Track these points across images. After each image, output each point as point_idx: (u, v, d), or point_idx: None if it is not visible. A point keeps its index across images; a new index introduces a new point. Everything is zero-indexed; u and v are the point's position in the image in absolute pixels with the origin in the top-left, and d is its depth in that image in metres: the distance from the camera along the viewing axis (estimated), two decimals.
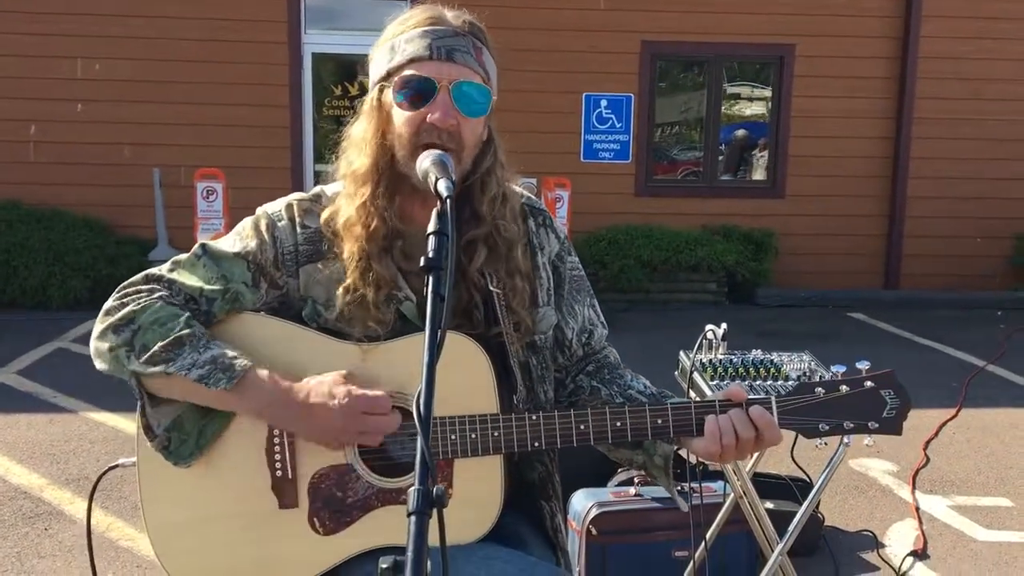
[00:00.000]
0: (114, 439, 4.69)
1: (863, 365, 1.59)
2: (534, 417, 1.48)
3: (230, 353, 1.47)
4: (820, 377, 2.21)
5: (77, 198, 8.51)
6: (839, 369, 1.57)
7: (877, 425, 1.52)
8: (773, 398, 1.53)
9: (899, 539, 3.74)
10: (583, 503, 3.05)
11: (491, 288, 1.57)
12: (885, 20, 9.22)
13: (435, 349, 1.09)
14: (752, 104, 9.86)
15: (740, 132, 9.83)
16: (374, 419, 1.45)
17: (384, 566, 0.96)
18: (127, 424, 4.88)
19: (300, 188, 8.55)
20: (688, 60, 9.61)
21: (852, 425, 1.52)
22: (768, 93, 9.57)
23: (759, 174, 9.77)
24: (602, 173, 9.12)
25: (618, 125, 9.17)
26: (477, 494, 1.49)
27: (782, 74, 9.31)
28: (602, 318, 1.79)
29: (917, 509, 4.02)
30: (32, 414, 5.06)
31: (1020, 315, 8.37)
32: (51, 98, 8.60)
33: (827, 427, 1.53)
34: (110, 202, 8.60)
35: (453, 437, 1.46)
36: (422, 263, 1.17)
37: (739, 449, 1.48)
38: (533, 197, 1.75)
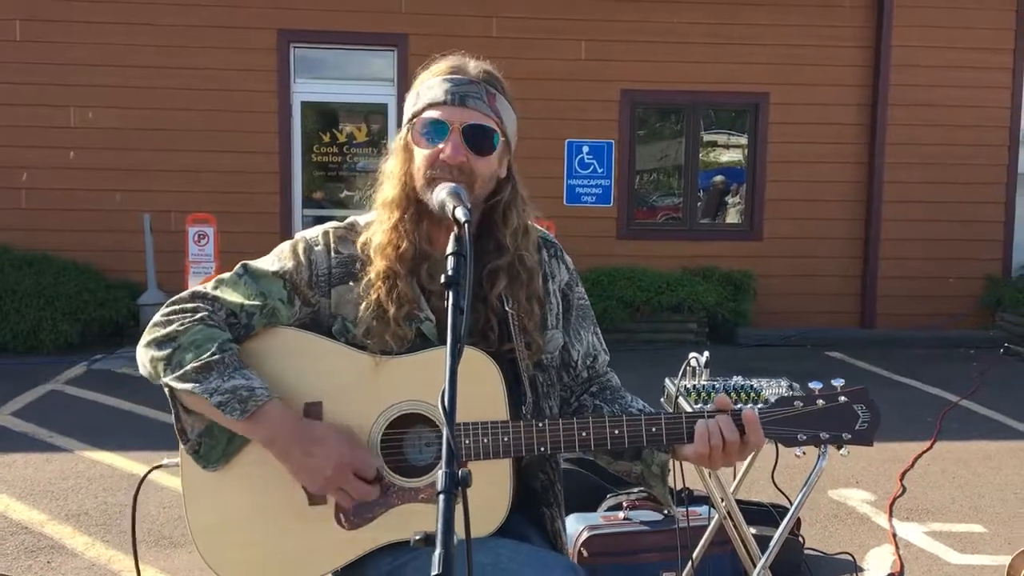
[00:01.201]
0: (111, 476, 4.78)
1: (838, 383, 1.73)
2: (540, 424, 1.63)
3: (253, 384, 1.62)
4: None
5: (68, 243, 8.65)
6: (816, 386, 1.73)
7: (850, 436, 1.67)
8: (756, 409, 1.68)
9: (877, 563, 3.88)
10: (574, 526, 3.18)
11: (507, 309, 1.73)
12: (856, 69, 9.57)
13: (457, 354, 1.24)
14: (728, 151, 10.16)
15: (718, 178, 10.12)
16: (358, 483, 1.63)
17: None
18: (123, 463, 4.97)
19: (288, 232, 8.73)
20: (666, 108, 9.91)
21: (827, 436, 1.68)
22: (744, 140, 9.88)
23: (736, 217, 10.04)
24: (585, 216, 9.35)
25: (600, 170, 9.43)
26: (488, 494, 1.64)
27: (757, 121, 9.62)
28: (604, 345, 1.96)
29: (894, 535, 4.17)
30: (29, 453, 5.13)
31: (992, 352, 8.60)
32: (44, 146, 8.78)
33: (804, 437, 1.68)
34: (101, 247, 8.74)
35: (467, 441, 1.61)
36: (443, 279, 1.34)
37: (726, 452, 1.63)
38: (546, 231, 1.94)
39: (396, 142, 1.79)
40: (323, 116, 9.59)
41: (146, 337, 1.68)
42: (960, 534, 4.23)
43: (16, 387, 6.62)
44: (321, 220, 1.69)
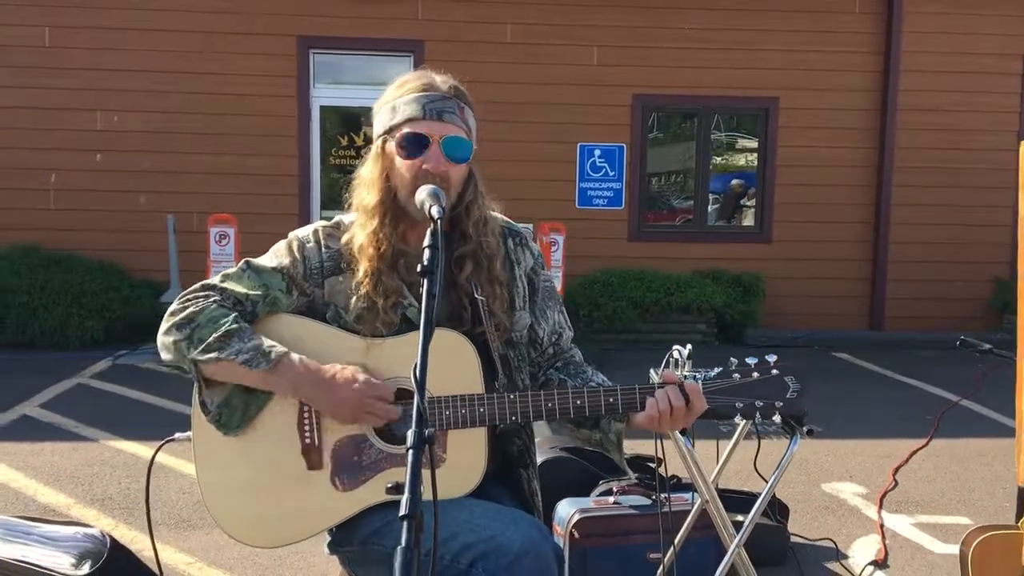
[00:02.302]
0: (134, 464, 5.01)
1: (771, 358, 1.93)
2: (512, 396, 1.85)
3: (269, 342, 1.86)
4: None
5: (94, 243, 8.95)
6: (752, 361, 1.92)
7: (781, 404, 1.88)
8: (700, 380, 1.89)
9: (862, 551, 4.04)
10: (567, 510, 3.37)
11: (476, 296, 1.95)
12: (865, 74, 9.70)
13: (429, 332, 1.45)
14: (740, 155, 10.31)
15: (736, 182, 10.27)
16: (381, 404, 1.84)
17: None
18: (146, 451, 5.20)
19: None
20: (677, 112, 10.07)
21: (761, 404, 1.88)
22: (754, 144, 10.02)
23: (748, 220, 10.19)
24: (596, 219, 9.54)
25: (611, 173, 9.61)
26: (466, 459, 1.85)
27: (767, 125, 9.77)
28: (569, 323, 2.18)
29: (881, 525, 4.32)
30: (56, 442, 5.38)
31: (996, 355, 8.68)
32: (72, 148, 9.08)
33: (741, 404, 1.89)
34: (126, 247, 9.02)
35: (447, 412, 1.83)
36: (418, 269, 1.54)
37: (673, 417, 1.84)
38: (511, 221, 2.16)
39: (372, 150, 2.01)
40: (342, 120, 9.83)
41: (164, 325, 1.90)
42: (946, 525, 4.38)
43: (43, 380, 6.89)
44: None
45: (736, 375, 1.89)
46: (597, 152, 9.59)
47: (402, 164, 1.93)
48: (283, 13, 9.22)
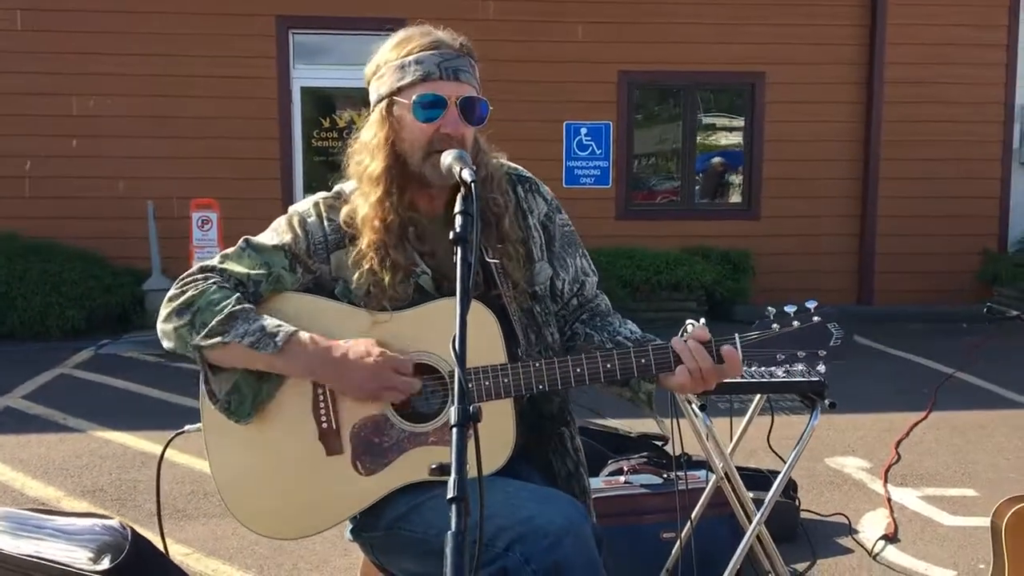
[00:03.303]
0: (123, 455, 4.89)
1: (811, 304, 1.80)
2: (537, 364, 1.74)
3: (275, 322, 1.73)
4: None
5: (73, 231, 8.74)
6: (791, 309, 1.81)
7: (825, 353, 1.77)
8: (737, 335, 1.78)
9: (871, 526, 3.99)
10: None
11: (487, 260, 1.83)
12: (851, 47, 9.64)
13: (467, 302, 1.35)
14: (727, 134, 10.23)
15: (716, 160, 10.20)
16: (401, 378, 1.72)
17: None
18: (135, 441, 5.08)
19: None
20: (663, 89, 9.97)
21: (804, 354, 1.77)
22: (741, 123, 9.94)
23: (735, 197, 10.13)
24: (584, 198, 9.43)
25: (598, 152, 9.51)
26: (493, 433, 1.73)
27: (754, 100, 9.69)
28: (593, 267, 2.06)
29: (889, 500, 4.28)
30: (42, 434, 5.24)
31: (987, 326, 8.70)
32: (47, 134, 8.86)
33: (783, 356, 1.77)
34: (105, 234, 8.82)
35: (470, 385, 1.71)
36: (451, 236, 1.43)
37: (705, 378, 1.73)
38: (518, 166, 2.03)
39: (375, 113, 1.86)
40: (323, 102, 9.65)
41: (164, 311, 1.77)
42: (953, 498, 4.34)
43: (26, 372, 6.72)
44: None
45: (775, 326, 1.77)
46: (583, 130, 9.48)
47: (416, 127, 1.80)
48: None
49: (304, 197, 8.31)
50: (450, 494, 1.15)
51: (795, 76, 9.56)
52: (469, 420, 1.22)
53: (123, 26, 8.85)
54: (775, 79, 9.59)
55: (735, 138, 10.10)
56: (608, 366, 1.74)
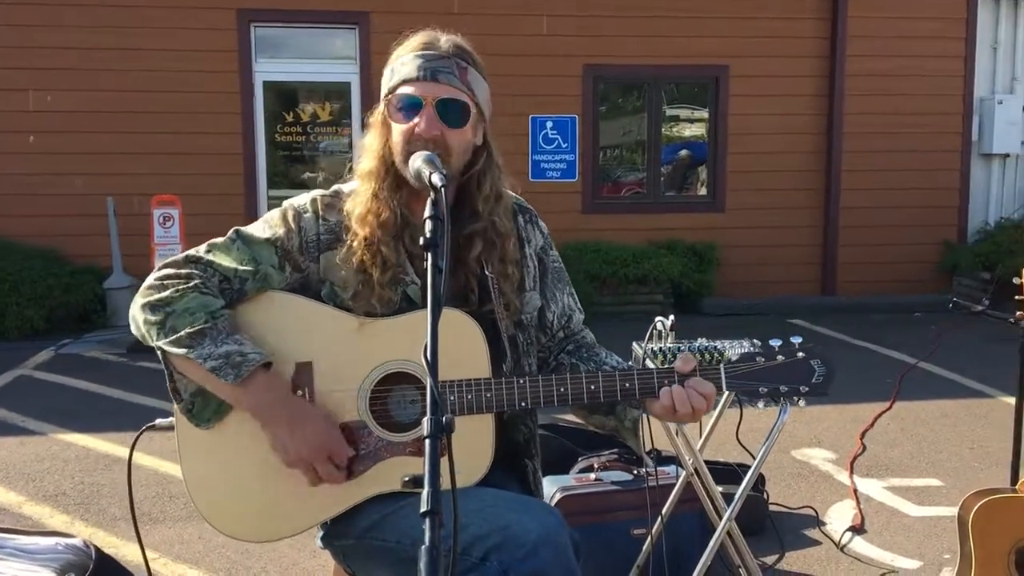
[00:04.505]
0: (86, 457, 4.80)
1: (796, 340, 1.83)
2: (521, 381, 1.72)
3: (245, 350, 1.69)
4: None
5: (32, 229, 8.56)
6: (776, 343, 1.82)
7: (807, 389, 1.78)
8: (722, 366, 1.78)
9: (838, 517, 4.03)
10: (548, 489, 3.27)
11: (487, 273, 1.82)
12: (813, 40, 9.70)
13: (438, 309, 1.32)
14: (691, 125, 10.27)
15: (683, 152, 10.23)
16: (330, 466, 1.70)
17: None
18: (97, 444, 5.00)
19: (254, 214, 8.71)
20: (628, 82, 9.98)
21: (786, 389, 1.78)
22: (705, 115, 9.99)
23: (701, 190, 10.18)
24: (550, 192, 9.41)
25: (564, 145, 9.50)
26: (472, 447, 1.72)
27: (718, 93, 9.73)
28: (579, 305, 2.07)
29: (855, 491, 4.32)
30: (2, 437, 5.13)
31: (948, 316, 8.82)
32: (3, 130, 8.66)
33: (765, 390, 1.78)
34: (65, 232, 8.65)
35: (452, 398, 1.70)
36: (421, 242, 1.41)
37: (694, 412, 1.73)
38: (520, 198, 2.03)
39: (375, 116, 1.87)
40: (285, 96, 9.54)
41: (139, 299, 1.74)
42: (918, 488, 4.40)
43: None
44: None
45: (760, 358, 1.79)
46: (549, 124, 9.47)
47: (396, 128, 1.80)
48: None
49: (268, 193, 8.06)
50: (423, 507, 1.13)
51: (758, 69, 9.61)
52: (442, 432, 1.20)
53: (81, 20, 8.67)
54: (738, 72, 9.63)
55: (699, 129, 10.15)
56: (592, 387, 1.73)
